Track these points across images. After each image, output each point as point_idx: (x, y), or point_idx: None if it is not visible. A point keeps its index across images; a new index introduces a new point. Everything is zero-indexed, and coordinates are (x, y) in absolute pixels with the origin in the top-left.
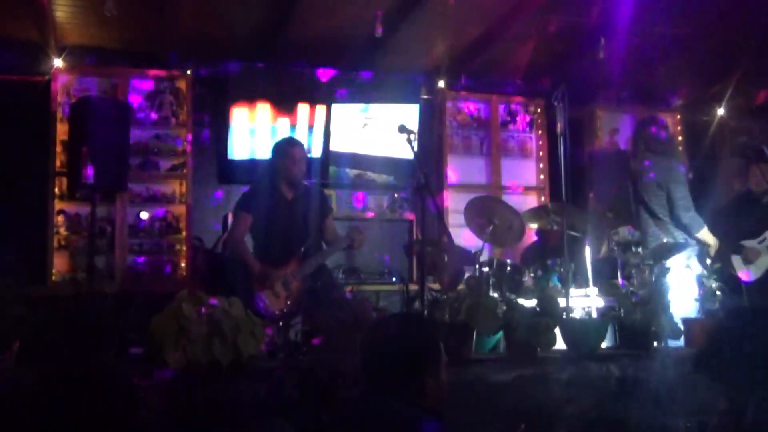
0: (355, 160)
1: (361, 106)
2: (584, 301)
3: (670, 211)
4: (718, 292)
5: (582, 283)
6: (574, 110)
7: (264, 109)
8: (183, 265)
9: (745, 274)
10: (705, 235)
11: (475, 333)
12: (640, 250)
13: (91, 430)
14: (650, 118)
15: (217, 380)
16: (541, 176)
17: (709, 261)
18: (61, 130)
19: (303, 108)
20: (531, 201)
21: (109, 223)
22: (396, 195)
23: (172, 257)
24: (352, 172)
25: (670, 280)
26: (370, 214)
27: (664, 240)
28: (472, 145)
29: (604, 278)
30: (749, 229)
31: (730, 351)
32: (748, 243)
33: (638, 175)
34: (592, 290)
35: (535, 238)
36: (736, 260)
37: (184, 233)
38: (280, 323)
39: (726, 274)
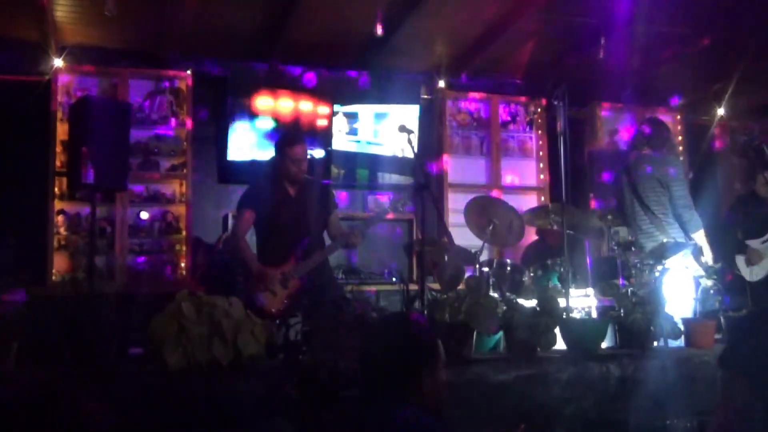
0: (356, 160)
1: (362, 105)
2: (584, 301)
3: (671, 209)
4: (711, 291)
5: (582, 283)
6: (574, 110)
7: (264, 108)
8: (183, 265)
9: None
10: (700, 236)
11: (475, 333)
12: (634, 248)
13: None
14: (650, 118)
15: (217, 380)
16: (541, 176)
17: (704, 259)
18: (61, 130)
19: (304, 108)
20: (531, 201)
21: (109, 223)
22: (396, 195)
23: (172, 257)
24: (353, 172)
25: (669, 280)
26: (371, 214)
27: (660, 238)
28: (472, 145)
29: (604, 278)
30: (753, 230)
31: (755, 346)
32: (753, 243)
33: (636, 171)
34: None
35: (535, 237)
36: (740, 260)
37: (184, 233)
38: (278, 322)
39: (729, 274)
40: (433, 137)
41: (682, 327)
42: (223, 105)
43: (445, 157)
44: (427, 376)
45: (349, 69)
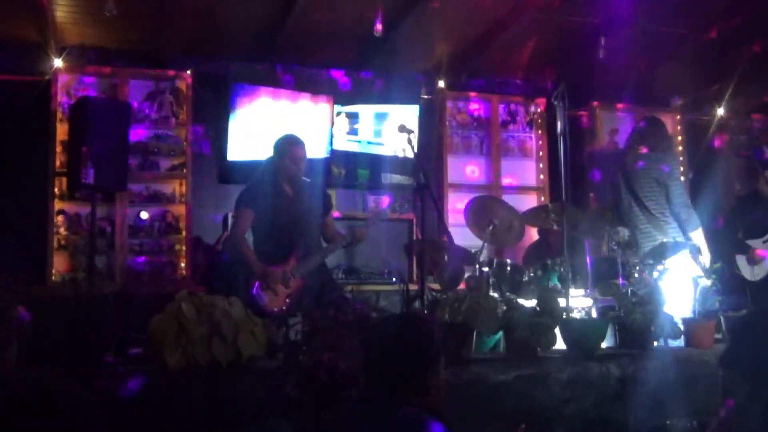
0: (357, 160)
1: (362, 105)
2: (584, 301)
3: (669, 208)
4: (714, 289)
5: (582, 283)
6: (574, 110)
7: (264, 108)
8: (183, 265)
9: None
10: (699, 236)
11: (475, 333)
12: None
13: None
14: (647, 116)
15: (217, 380)
16: (541, 176)
17: (702, 259)
18: (61, 130)
19: (304, 108)
20: (531, 201)
21: (109, 223)
22: (396, 195)
23: (172, 257)
24: (353, 172)
25: (669, 280)
26: (371, 214)
27: (658, 237)
28: (472, 145)
29: (604, 278)
30: (754, 230)
31: (755, 346)
32: (753, 243)
33: (633, 169)
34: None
35: (536, 237)
36: (741, 260)
37: (184, 233)
38: (278, 322)
39: (730, 273)
40: (433, 137)
41: (682, 327)
42: (223, 105)
43: (445, 157)
44: (429, 376)
45: (350, 69)
